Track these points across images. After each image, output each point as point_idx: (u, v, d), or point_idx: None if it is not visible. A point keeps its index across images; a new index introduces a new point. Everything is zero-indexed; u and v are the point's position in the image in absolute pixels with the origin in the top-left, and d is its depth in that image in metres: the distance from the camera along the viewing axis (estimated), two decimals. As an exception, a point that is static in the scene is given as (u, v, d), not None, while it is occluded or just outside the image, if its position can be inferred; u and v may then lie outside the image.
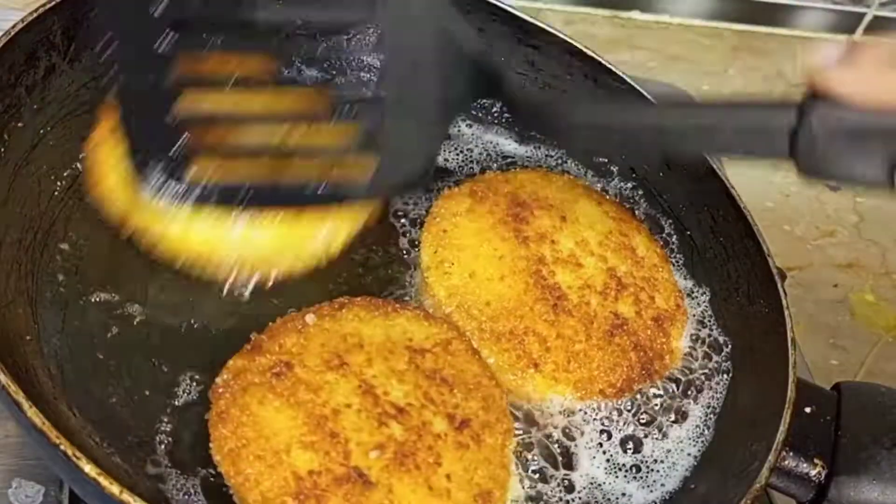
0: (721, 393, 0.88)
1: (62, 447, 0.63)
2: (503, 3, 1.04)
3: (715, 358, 0.90)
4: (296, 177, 0.74)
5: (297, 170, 0.74)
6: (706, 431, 0.85)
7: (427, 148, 0.79)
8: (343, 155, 0.74)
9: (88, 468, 0.63)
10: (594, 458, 0.81)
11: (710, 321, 0.93)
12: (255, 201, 0.74)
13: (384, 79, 0.74)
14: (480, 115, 1.04)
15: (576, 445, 0.82)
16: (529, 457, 0.80)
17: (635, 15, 1.53)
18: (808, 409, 0.81)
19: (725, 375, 0.89)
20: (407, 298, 0.87)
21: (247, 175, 0.73)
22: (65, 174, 0.85)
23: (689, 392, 0.87)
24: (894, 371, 1.19)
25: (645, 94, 1.00)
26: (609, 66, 1.02)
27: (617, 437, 0.83)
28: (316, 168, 0.74)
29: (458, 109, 0.81)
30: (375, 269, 0.89)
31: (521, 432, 0.80)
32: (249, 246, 0.79)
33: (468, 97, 0.82)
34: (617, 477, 0.81)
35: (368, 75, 0.79)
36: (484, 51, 0.77)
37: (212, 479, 0.71)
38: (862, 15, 1.58)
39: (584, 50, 1.03)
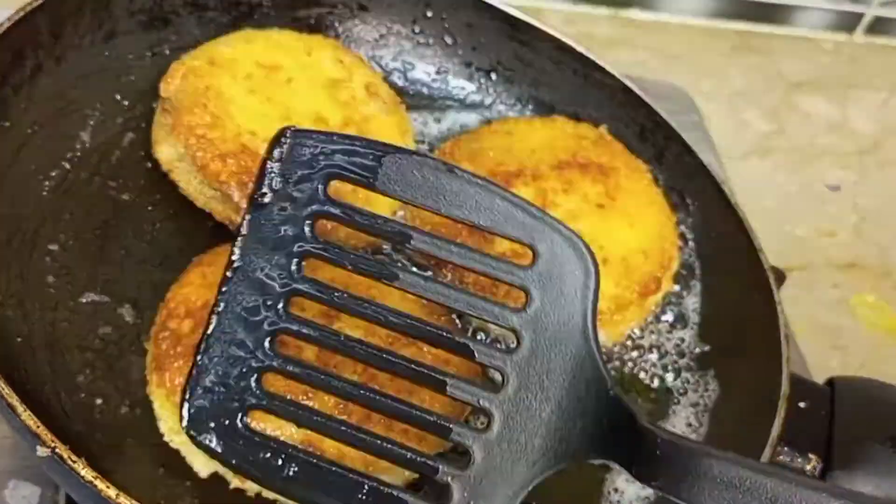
0: (715, 388, 0.88)
1: (57, 450, 0.62)
2: (495, -1, 1.04)
3: (709, 352, 0.90)
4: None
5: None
6: (700, 427, 0.85)
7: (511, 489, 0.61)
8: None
9: (84, 472, 0.62)
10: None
11: (703, 316, 0.93)
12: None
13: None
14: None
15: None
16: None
17: (635, 14, 1.53)
18: (802, 404, 0.81)
19: (719, 370, 0.89)
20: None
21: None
22: (53, 174, 0.84)
23: (682, 387, 0.87)
24: (894, 371, 1.19)
25: (634, 88, 1.00)
26: (598, 62, 1.02)
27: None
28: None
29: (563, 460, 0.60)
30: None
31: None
32: None
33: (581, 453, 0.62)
34: (612, 472, 0.81)
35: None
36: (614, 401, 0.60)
37: (206, 481, 0.71)
38: (861, 15, 1.58)
39: (574, 46, 1.02)
